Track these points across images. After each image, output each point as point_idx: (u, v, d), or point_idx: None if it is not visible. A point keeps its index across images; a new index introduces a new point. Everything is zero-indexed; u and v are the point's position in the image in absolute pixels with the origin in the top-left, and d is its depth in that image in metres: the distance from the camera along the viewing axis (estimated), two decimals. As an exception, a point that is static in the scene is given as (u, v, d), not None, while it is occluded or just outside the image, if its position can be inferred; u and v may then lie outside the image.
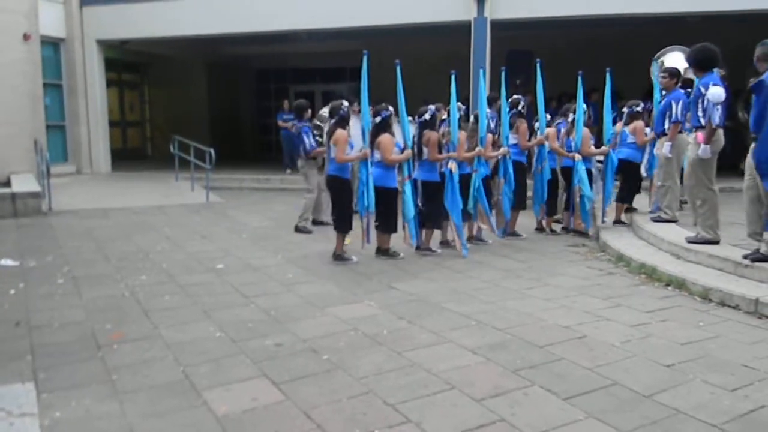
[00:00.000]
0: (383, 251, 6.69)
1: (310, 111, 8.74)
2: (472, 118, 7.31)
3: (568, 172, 7.84)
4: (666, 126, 7.19)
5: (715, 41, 6.14)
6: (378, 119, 6.45)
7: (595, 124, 9.43)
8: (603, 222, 7.99)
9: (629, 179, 8.11)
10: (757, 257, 5.24)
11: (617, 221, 8.12)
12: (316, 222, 8.59)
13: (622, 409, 3.19)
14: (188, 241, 7.77)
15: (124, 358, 3.88)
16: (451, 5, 12.59)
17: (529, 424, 3.02)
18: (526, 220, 8.12)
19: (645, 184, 8.52)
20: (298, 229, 8.30)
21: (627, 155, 8.01)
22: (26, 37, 12.22)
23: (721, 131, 6.07)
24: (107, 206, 10.42)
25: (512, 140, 7.63)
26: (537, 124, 8.13)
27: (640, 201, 8.45)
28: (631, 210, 8.17)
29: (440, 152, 6.70)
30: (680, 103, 7.04)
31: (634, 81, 10.97)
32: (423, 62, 13.42)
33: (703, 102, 5.94)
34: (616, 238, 7.22)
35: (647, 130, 7.93)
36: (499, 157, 7.47)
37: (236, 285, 5.63)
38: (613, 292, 5.40)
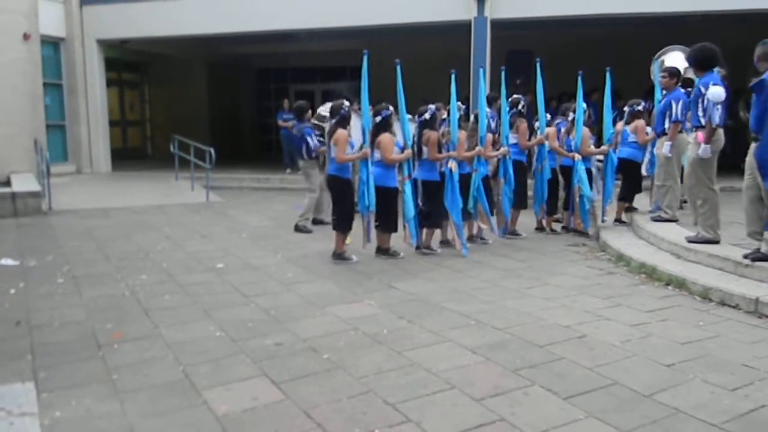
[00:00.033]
0: (383, 251, 6.69)
1: (310, 112, 8.74)
2: (472, 117, 7.31)
3: (568, 171, 7.84)
4: (666, 126, 7.19)
5: (715, 41, 6.13)
6: (378, 119, 6.45)
7: (595, 123, 9.43)
8: (603, 221, 7.99)
9: (630, 178, 8.10)
10: (758, 257, 5.24)
11: (618, 220, 8.12)
12: (316, 221, 8.59)
13: (622, 408, 3.19)
14: (188, 240, 7.77)
15: (124, 357, 3.88)
16: (451, 5, 12.60)
17: (529, 423, 3.02)
18: (526, 220, 8.11)
19: (646, 183, 8.51)
20: (298, 229, 8.31)
21: (628, 154, 8.01)
22: (26, 36, 12.22)
23: (721, 131, 6.07)
24: (107, 206, 10.42)
25: (512, 140, 7.64)
26: (537, 124, 8.13)
27: (641, 201, 8.45)
28: (631, 209, 8.17)
29: (440, 152, 6.71)
30: (680, 102, 7.04)
31: (634, 81, 10.97)
32: (423, 62, 13.43)
33: (703, 102, 5.93)
34: (616, 237, 7.22)
35: (648, 129, 7.93)
36: (499, 156, 7.47)
37: (236, 284, 5.64)
38: (613, 291, 5.40)
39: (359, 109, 6.91)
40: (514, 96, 7.91)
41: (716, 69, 6.14)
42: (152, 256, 6.83)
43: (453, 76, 6.80)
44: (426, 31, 13.93)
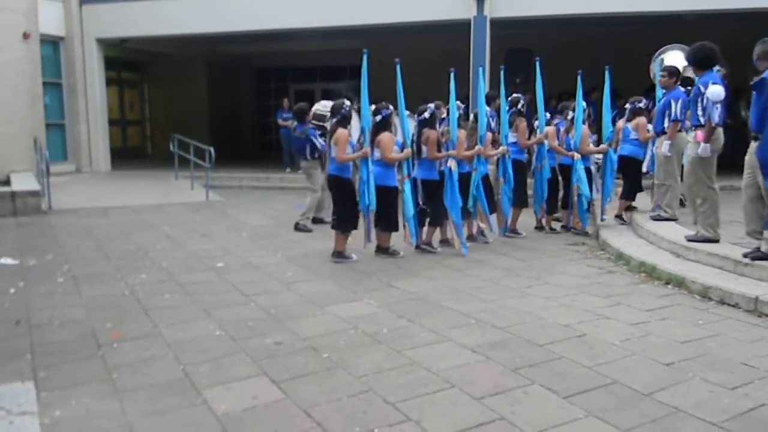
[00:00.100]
0: (383, 250, 6.69)
1: (311, 113, 8.74)
2: (471, 116, 7.31)
3: (567, 170, 7.85)
4: (665, 125, 7.19)
5: (715, 39, 6.13)
6: (378, 118, 6.45)
7: (595, 122, 9.44)
8: (602, 220, 7.99)
9: (631, 176, 8.10)
10: (757, 255, 5.24)
11: (619, 216, 8.13)
12: (316, 220, 8.60)
13: (621, 407, 3.19)
14: (188, 239, 7.77)
15: (124, 356, 3.88)
16: (450, 4, 12.60)
17: (529, 422, 3.02)
18: (525, 219, 8.11)
19: (646, 183, 8.51)
20: (298, 228, 8.31)
21: (629, 152, 8.01)
22: (26, 35, 12.22)
23: (720, 130, 6.07)
24: (107, 205, 10.42)
25: (512, 139, 7.64)
26: (536, 123, 8.13)
27: (642, 200, 8.45)
28: (631, 208, 8.17)
29: (439, 151, 6.71)
30: (679, 101, 7.04)
31: (634, 80, 10.97)
32: (423, 61, 13.43)
33: (702, 101, 5.93)
34: (615, 236, 7.22)
35: (649, 126, 7.92)
36: (498, 155, 7.47)
37: (236, 283, 5.64)
38: (613, 290, 5.40)
39: (358, 108, 6.91)
40: (514, 95, 7.91)
41: (716, 68, 6.14)
42: (152, 255, 6.82)
43: (452, 75, 6.80)
44: (426, 31, 13.93)
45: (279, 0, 13.59)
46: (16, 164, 11.63)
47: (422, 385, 3.45)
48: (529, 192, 8.10)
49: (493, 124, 7.55)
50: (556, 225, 8.29)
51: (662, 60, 8.24)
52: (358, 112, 7.00)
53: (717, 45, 6.09)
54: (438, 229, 7.08)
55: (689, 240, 6.08)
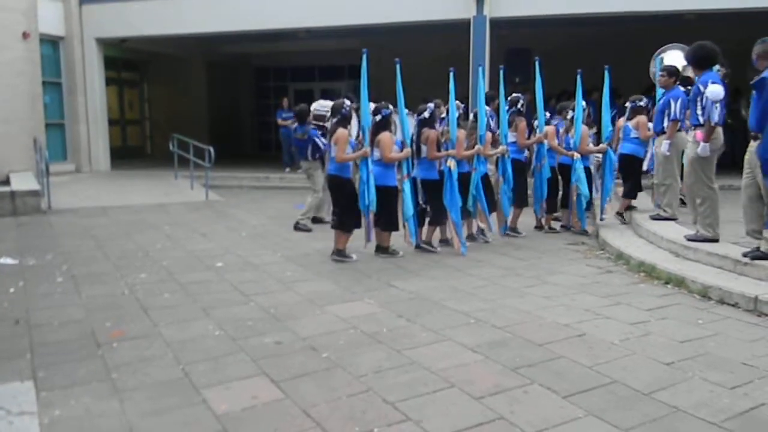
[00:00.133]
0: (383, 249, 6.69)
1: (311, 115, 8.73)
2: (471, 116, 7.31)
3: (566, 169, 7.85)
4: (665, 124, 7.19)
5: (714, 39, 6.13)
6: (378, 117, 6.45)
7: (594, 122, 9.44)
8: (601, 219, 7.99)
9: (632, 174, 8.10)
10: (757, 255, 5.24)
11: (620, 214, 8.13)
12: (316, 220, 8.60)
13: (621, 407, 3.19)
14: (188, 239, 7.77)
15: (123, 356, 3.88)
16: (450, 3, 12.60)
17: (529, 422, 3.02)
18: (525, 218, 8.11)
19: (646, 182, 8.50)
20: (297, 227, 8.31)
21: (630, 150, 8.01)
22: (25, 35, 12.22)
23: (720, 129, 6.07)
24: (107, 204, 10.42)
25: (511, 138, 7.64)
26: (536, 123, 8.13)
27: (643, 200, 8.44)
28: (630, 208, 8.17)
29: (439, 150, 6.71)
30: (679, 101, 7.04)
31: (633, 79, 10.98)
32: (422, 60, 13.43)
33: (702, 100, 5.93)
34: (615, 236, 7.22)
35: (650, 124, 7.92)
36: (498, 155, 7.47)
37: (236, 283, 5.63)
38: (613, 290, 5.40)
39: (358, 108, 6.91)
40: (513, 95, 7.91)
41: (716, 68, 6.13)
42: (152, 254, 6.82)
43: (451, 75, 6.80)
44: (425, 30, 13.93)
45: (279, 0, 13.58)
46: (16, 164, 11.62)
47: (422, 384, 3.45)
48: (529, 191, 8.10)
49: (492, 124, 7.54)
50: (556, 225, 8.29)
51: (662, 59, 8.23)
52: (357, 111, 7.00)
53: (717, 45, 6.09)
54: (438, 229, 7.09)
55: (689, 239, 6.08)
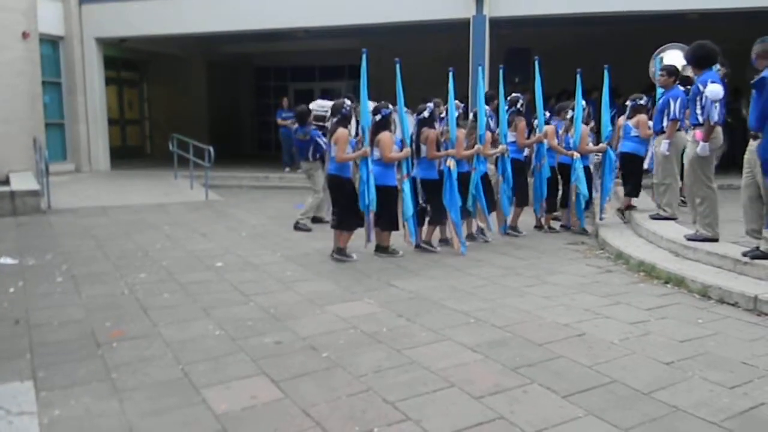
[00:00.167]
0: (383, 249, 6.69)
1: (312, 116, 8.73)
2: (471, 115, 7.31)
3: (565, 169, 7.85)
4: (664, 124, 7.19)
5: (715, 39, 6.13)
6: (378, 117, 6.44)
7: (595, 121, 9.44)
8: (601, 219, 7.99)
9: (633, 172, 8.10)
10: (757, 254, 5.24)
11: (620, 210, 8.14)
12: (315, 219, 8.60)
13: (621, 406, 3.19)
14: (188, 239, 7.77)
15: (123, 356, 3.88)
16: (450, 3, 12.60)
17: (529, 421, 3.02)
18: (525, 218, 8.11)
19: (646, 182, 8.50)
20: (297, 227, 8.31)
21: (631, 148, 8.01)
22: (25, 35, 12.23)
23: (719, 129, 6.07)
24: (106, 204, 10.42)
25: (511, 138, 7.64)
26: (536, 122, 8.13)
27: (644, 200, 8.44)
28: (630, 207, 8.17)
29: (438, 150, 6.70)
30: (678, 100, 7.04)
31: (633, 79, 10.97)
32: (422, 60, 13.43)
33: (701, 99, 5.93)
34: (615, 235, 7.22)
35: (650, 123, 7.92)
36: (497, 155, 7.47)
37: (235, 283, 5.63)
38: (612, 289, 5.40)
39: (356, 107, 6.91)
40: (513, 94, 7.91)
41: (717, 67, 6.13)
42: (151, 254, 6.82)
43: (450, 74, 6.80)
44: (425, 30, 13.92)
45: (279, 0, 13.58)
46: (16, 164, 11.62)
47: (422, 384, 3.45)
48: (529, 191, 8.09)
49: (492, 124, 7.53)
50: (555, 224, 8.30)
51: (661, 59, 8.23)
52: (356, 110, 7.00)
53: (718, 44, 6.08)
54: (437, 228, 7.09)
55: (688, 239, 6.08)
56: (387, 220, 6.56)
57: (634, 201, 8.24)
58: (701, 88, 5.89)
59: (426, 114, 6.74)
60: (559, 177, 8.07)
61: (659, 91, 7.92)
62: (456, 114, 6.85)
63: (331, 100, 9.42)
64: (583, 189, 7.66)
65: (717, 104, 5.81)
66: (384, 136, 6.42)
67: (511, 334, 4.26)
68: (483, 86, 7.54)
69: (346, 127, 6.47)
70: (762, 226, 5.37)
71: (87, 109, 15.17)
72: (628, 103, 8.18)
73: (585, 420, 3.06)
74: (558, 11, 12.19)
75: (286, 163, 14.38)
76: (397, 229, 6.66)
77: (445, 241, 7.17)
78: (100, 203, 10.51)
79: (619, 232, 7.43)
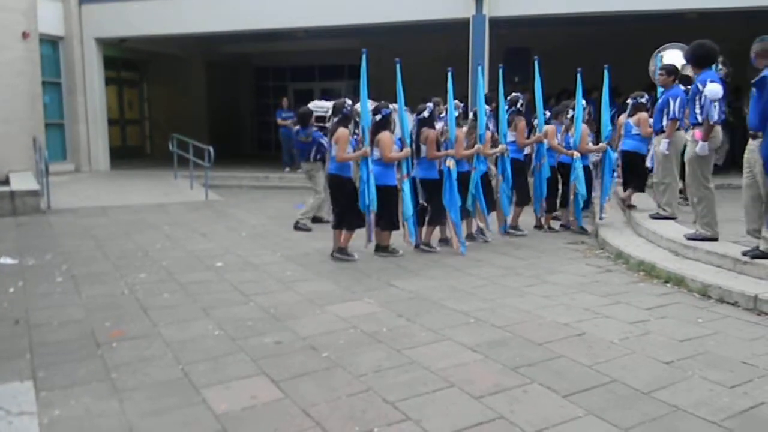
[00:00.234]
0: (383, 248, 6.69)
1: (313, 117, 8.72)
2: (471, 115, 7.31)
3: (565, 168, 7.85)
4: (664, 123, 7.19)
5: (715, 38, 6.13)
6: (378, 117, 6.44)
7: (595, 121, 9.44)
8: (601, 219, 7.99)
9: (636, 170, 8.10)
10: (757, 254, 5.24)
11: (623, 200, 8.18)
12: (315, 219, 8.60)
13: (621, 406, 3.19)
14: (187, 239, 7.77)
15: (123, 356, 3.88)
16: (449, 3, 12.60)
17: (529, 421, 3.02)
18: (525, 218, 8.11)
19: (649, 182, 8.50)
20: (297, 227, 8.31)
21: (632, 147, 8.02)
22: (25, 35, 12.22)
23: (719, 128, 6.06)
24: (106, 204, 10.42)
25: (510, 138, 7.63)
26: (536, 122, 8.13)
27: (645, 201, 8.44)
28: (630, 207, 8.17)
29: (438, 150, 6.70)
30: (678, 100, 7.04)
31: (633, 78, 10.97)
32: (422, 60, 13.43)
33: (700, 99, 5.93)
34: (615, 235, 7.22)
35: (650, 121, 7.92)
36: (497, 154, 7.46)
37: (235, 283, 5.63)
38: (612, 289, 5.40)
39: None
40: (513, 94, 7.91)
41: (718, 67, 6.12)
42: (151, 254, 6.82)
43: (449, 74, 6.80)
44: (425, 30, 13.92)
45: (278, 0, 13.58)
46: (16, 164, 11.62)
47: (422, 384, 3.45)
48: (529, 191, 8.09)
49: (491, 126, 7.53)
50: (555, 224, 8.29)
51: (661, 58, 8.23)
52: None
53: (718, 44, 6.08)
54: (437, 228, 7.08)
55: (688, 238, 6.08)
56: (387, 220, 6.56)
57: (634, 201, 8.25)
58: (700, 87, 5.89)
59: (426, 114, 6.74)
60: (559, 177, 8.06)
61: (659, 90, 7.92)
62: (456, 114, 6.85)
63: (328, 100, 9.43)
64: (582, 189, 7.66)
65: (716, 103, 5.80)
66: (384, 136, 6.42)
67: (511, 333, 4.26)
68: (483, 86, 7.54)
69: (346, 126, 6.47)
70: (762, 225, 5.37)
71: (87, 109, 15.17)
72: (629, 101, 8.18)
73: (585, 420, 3.06)
74: (557, 11, 12.19)
75: (286, 163, 14.37)
76: (397, 228, 6.66)
77: (444, 240, 7.17)
78: (99, 203, 10.51)
79: (619, 232, 7.43)
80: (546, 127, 7.91)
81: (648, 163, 8.09)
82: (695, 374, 3.57)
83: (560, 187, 8.10)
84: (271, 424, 3.02)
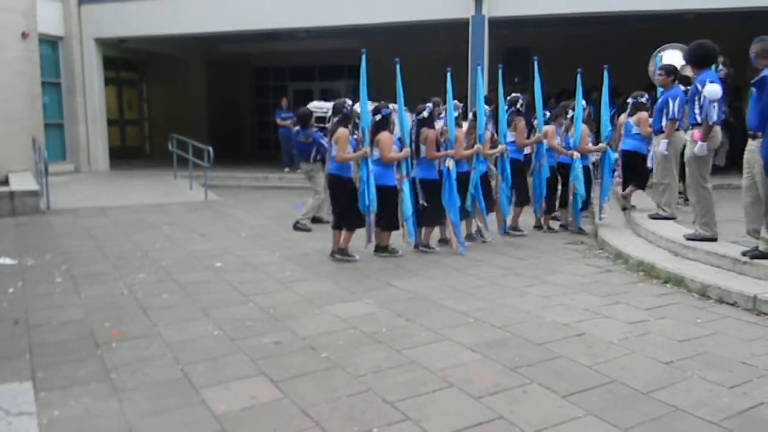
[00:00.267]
0: (382, 248, 6.69)
1: (313, 118, 8.72)
2: (470, 115, 7.31)
3: (565, 168, 7.85)
4: (663, 123, 7.19)
5: (715, 39, 6.13)
6: (378, 117, 6.44)
7: (595, 121, 9.45)
8: (600, 219, 7.99)
9: (637, 169, 8.10)
10: (756, 254, 5.24)
11: (624, 197, 8.17)
12: (315, 220, 8.59)
13: (621, 406, 3.19)
14: (187, 239, 7.77)
15: (122, 356, 3.88)
16: (449, 3, 12.60)
17: (528, 421, 3.02)
18: (524, 218, 8.11)
19: (648, 182, 8.51)
20: (297, 227, 8.31)
21: (632, 146, 8.02)
22: (24, 35, 12.22)
23: (718, 128, 6.06)
24: (106, 204, 10.42)
25: (510, 138, 7.63)
26: (536, 122, 8.13)
27: (645, 201, 8.44)
28: (630, 208, 8.17)
29: (438, 150, 6.70)
30: (677, 100, 7.04)
31: (633, 79, 10.97)
32: (422, 60, 13.43)
33: (699, 99, 5.93)
34: (614, 235, 7.22)
35: (650, 120, 7.92)
36: (497, 154, 7.46)
37: (235, 283, 5.63)
38: (612, 289, 5.40)
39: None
40: (513, 94, 7.91)
41: (719, 67, 6.12)
42: (151, 254, 6.82)
43: (449, 75, 6.80)
44: (424, 30, 13.93)
45: (278, 0, 13.58)
46: (15, 164, 11.61)
47: (421, 384, 3.45)
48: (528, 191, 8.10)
49: (490, 127, 7.54)
50: (555, 224, 8.29)
51: (661, 58, 8.23)
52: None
53: (717, 44, 6.08)
54: (437, 228, 7.08)
55: (688, 238, 6.08)
56: (387, 220, 6.56)
57: (634, 200, 8.25)
58: (700, 87, 5.89)
59: (425, 114, 6.74)
60: (558, 177, 8.06)
61: (659, 90, 7.92)
62: (455, 114, 6.85)
63: (328, 101, 9.43)
64: (581, 189, 7.66)
65: (715, 104, 5.80)
66: (384, 136, 6.41)
67: (510, 334, 4.26)
68: (482, 86, 7.54)
69: (346, 126, 6.47)
70: (762, 226, 5.37)
71: (86, 110, 15.17)
72: (629, 100, 8.18)
73: (585, 420, 3.06)
74: (557, 11, 12.19)
75: (286, 163, 14.37)
76: (397, 228, 6.65)
77: (444, 241, 7.17)
78: (99, 203, 10.51)
79: (619, 232, 7.43)
80: (546, 128, 7.91)
81: (648, 164, 8.10)
82: (695, 374, 3.57)
83: (560, 187, 8.10)
84: (271, 425, 3.02)
